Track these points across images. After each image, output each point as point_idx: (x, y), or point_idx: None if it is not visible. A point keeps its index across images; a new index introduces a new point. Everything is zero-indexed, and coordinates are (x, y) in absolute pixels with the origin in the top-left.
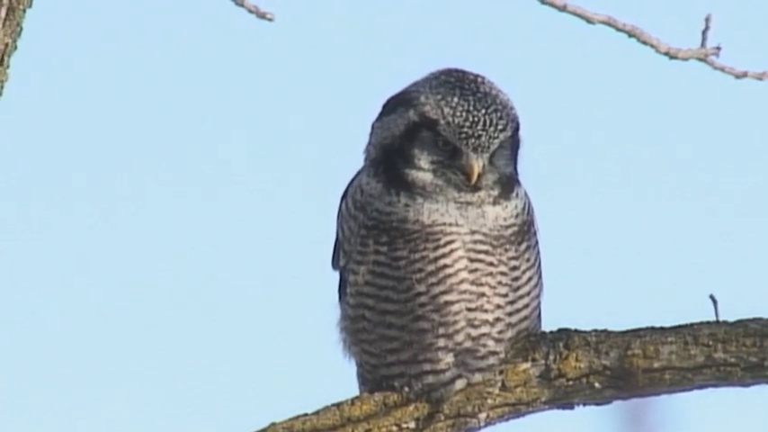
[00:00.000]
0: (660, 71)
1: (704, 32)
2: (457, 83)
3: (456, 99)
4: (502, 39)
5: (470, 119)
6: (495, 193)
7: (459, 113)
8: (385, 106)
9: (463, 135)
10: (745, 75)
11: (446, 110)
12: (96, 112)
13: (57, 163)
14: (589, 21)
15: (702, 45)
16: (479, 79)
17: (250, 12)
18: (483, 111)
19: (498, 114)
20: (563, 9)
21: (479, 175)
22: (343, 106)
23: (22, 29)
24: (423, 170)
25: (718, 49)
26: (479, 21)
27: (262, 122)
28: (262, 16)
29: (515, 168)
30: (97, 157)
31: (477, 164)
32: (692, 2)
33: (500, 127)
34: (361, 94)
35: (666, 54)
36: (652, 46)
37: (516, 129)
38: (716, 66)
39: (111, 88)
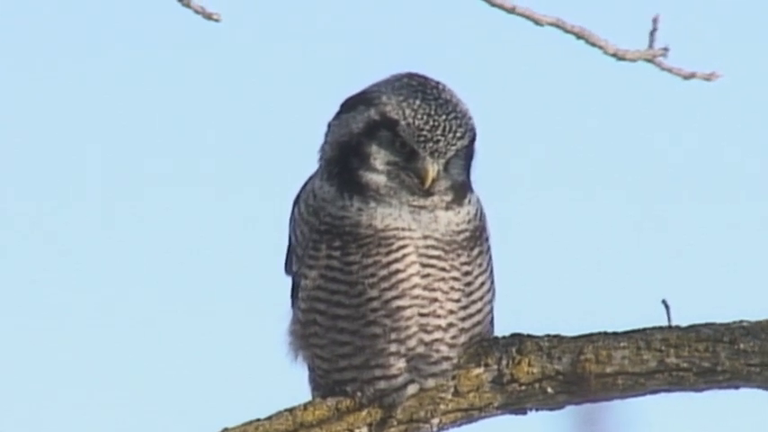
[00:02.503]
0: (608, 72)
1: (652, 33)
2: (419, 87)
3: (418, 102)
4: (450, 41)
5: (431, 123)
6: (449, 198)
7: (420, 116)
8: (343, 105)
9: (422, 138)
10: (693, 75)
11: (407, 111)
12: (57, 113)
13: (36, 164)
14: (538, 22)
15: (650, 46)
16: (441, 86)
17: (197, 12)
18: (443, 117)
19: (458, 122)
20: (512, 11)
21: (433, 180)
22: (292, 107)
23: None
24: (377, 171)
25: (666, 50)
26: (427, 22)
27: (208, 124)
28: (208, 17)
29: (468, 177)
30: (76, 157)
31: (433, 168)
32: (640, 3)
33: (458, 135)
34: (309, 95)
35: (615, 55)
36: (600, 47)
37: (473, 139)
38: (664, 67)
39: (69, 91)
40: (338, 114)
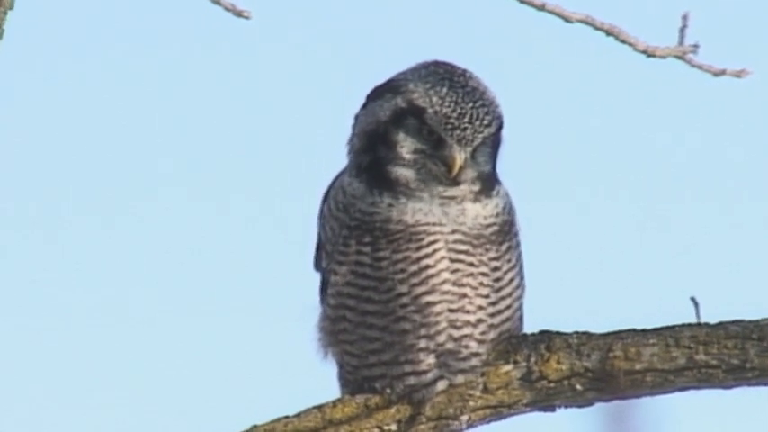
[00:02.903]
0: (638, 69)
1: (682, 30)
2: (446, 74)
3: (445, 90)
4: (479, 38)
5: (458, 110)
6: (476, 188)
7: (447, 104)
8: (370, 95)
9: (449, 126)
10: (723, 72)
11: (435, 99)
12: (77, 113)
13: (38, 164)
14: (567, 20)
15: (680, 43)
16: (468, 74)
17: (227, 10)
18: (471, 104)
19: (485, 110)
20: (541, 8)
21: (460, 169)
22: (322, 104)
23: (3, 31)
24: (404, 161)
25: (696, 46)
26: (457, 20)
27: (239, 121)
28: (238, 14)
29: (494, 167)
30: (77, 157)
31: (460, 156)
32: (670, 0)
33: (485, 122)
34: (340, 91)
35: (644, 52)
36: (630, 44)
37: (500, 127)
38: (694, 64)
39: (93, 89)
40: (365, 105)
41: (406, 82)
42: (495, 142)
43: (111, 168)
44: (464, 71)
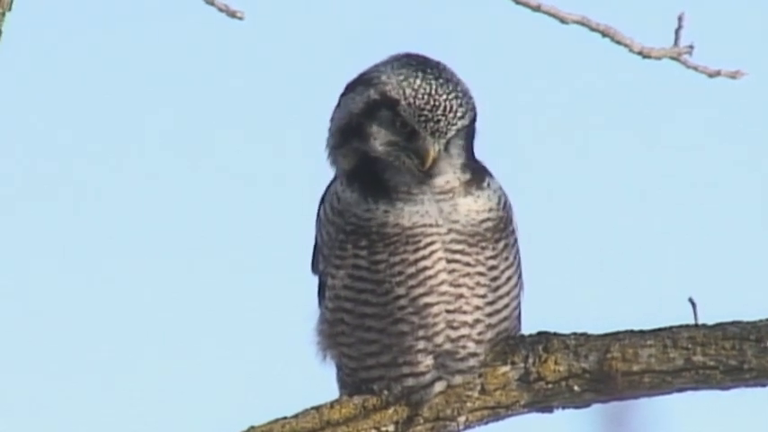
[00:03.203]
0: (634, 71)
1: (677, 31)
2: (419, 66)
3: (419, 81)
4: (475, 39)
5: (431, 102)
6: (466, 177)
7: (420, 95)
8: (343, 91)
9: (423, 118)
10: (718, 73)
11: (408, 90)
12: (74, 113)
13: (39, 161)
14: (563, 21)
15: (675, 44)
16: (441, 65)
17: (220, 10)
18: (444, 96)
19: (459, 101)
20: (537, 9)
21: (434, 161)
22: (317, 104)
23: (1, 33)
24: (375, 152)
25: (691, 47)
26: (452, 21)
27: (232, 122)
28: (232, 15)
29: (470, 158)
30: (72, 157)
31: (434, 148)
32: (665, 1)
33: (459, 114)
34: (335, 92)
35: (640, 53)
36: (626, 45)
37: (473, 118)
38: (689, 64)
39: (88, 90)
40: (338, 101)
41: (379, 74)
42: (468, 134)
43: (107, 167)
44: (437, 63)
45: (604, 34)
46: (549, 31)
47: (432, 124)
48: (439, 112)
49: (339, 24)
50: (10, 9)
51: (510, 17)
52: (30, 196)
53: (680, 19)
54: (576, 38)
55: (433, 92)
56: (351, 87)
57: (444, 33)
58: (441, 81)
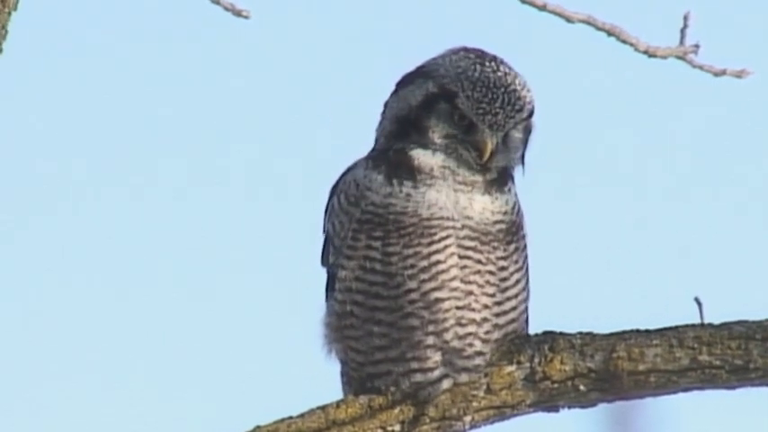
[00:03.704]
0: (639, 69)
1: (683, 30)
2: (477, 59)
3: (477, 74)
4: (480, 38)
5: (489, 95)
6: (492, 176)
7: (479, 88)
8: (400, 82)
9: (481, 111)
10: (723, 72)
11: (466, 83)
12: (78, 111)
13: (41, 162)
14: (569, 20)
15: (681, 43)
16: (498, 59)
17: (226, 9)
18: (502, 89)
19: (516, 95)
20: (543, 8)
21: (492, 154)
22: (323, 103)
23: (7, 32)
24: (435, 144)
25: (697, 47)
26: (458, 20)
27: (239, 120)
28: (238, 14)
29: (524, 153)
30: (77, 156)
31: (492, 141)
32: (671, 0)
33: (517, 107)
34: (340, 90)
35: (645, 52)
36: (631, 44)
37: (531, 113)
38: (695, 64)
39: (93, 89)
40: (395, 91)
41: (437, 67)
42: (526, 129)
43: (110, 166)
44: (494, 56)
45: (610, 33)
46: (555, 30)
47: (490, 117)
48: (497, 104)
49: (344, 23)
50: (15, 9)
51: (516, 16)
52: (30, 195)
53: (685, 18)
54: (582, 37)
55: (492, 84)
56: (409, 80)
57: (449, 33)
58: (498, 74)
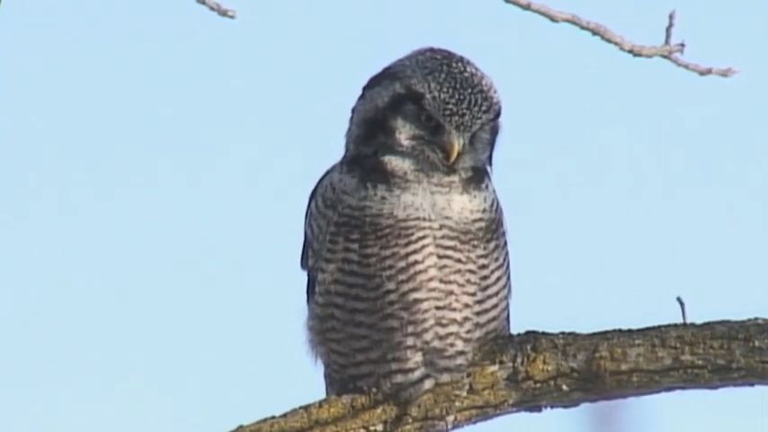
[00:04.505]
0: (624, 69)
1: (668, 29)
2: (444, 60)
3: (443, 75)
4: (465, 37)
5: (456, 96)
6: (468, 176)
7: (445, 89)
8: (367, 84)
9: (447, 112)
10: (709, 71)
11: (433, 84)
12: (62, 110)
13: (27, 162)
14: (553, 19)
15: (666, 42)
16: (465, 59)
17: (212, 9)
18: (469, 90)
19: (483, 95)
20: (527, 7)
21: (459, 155)
22: (308, 103)
23: None
24: (402, 146)
25: (682, 45)
26: (442, 19)
27: (224, 120)
28: (223, 14)
29: (491, 154)
30: (65, 155)
31: (458, 142)
32: None
33: (484, 108)
34: (326, 90)
35: (630, 51)
36: (616, 44)
37: (498, 113)
38: (680, 63)
39: (77, 88)
40: (362, 94)
41: (404, 68)
42: (493, 129)
43: (94, 165)
44: (461, 57)
45: (594, 33)
46: (539, 29)
47: (456, 118)
48: (464, 105)
49: (330, 23)
50: None
51: (500, 16)
52: (27, 196)
53: (671, 17)
54: (567, 36)
55: (458, 86)
56: (376, 81)
57: (433, 32)
58: (465, 75)
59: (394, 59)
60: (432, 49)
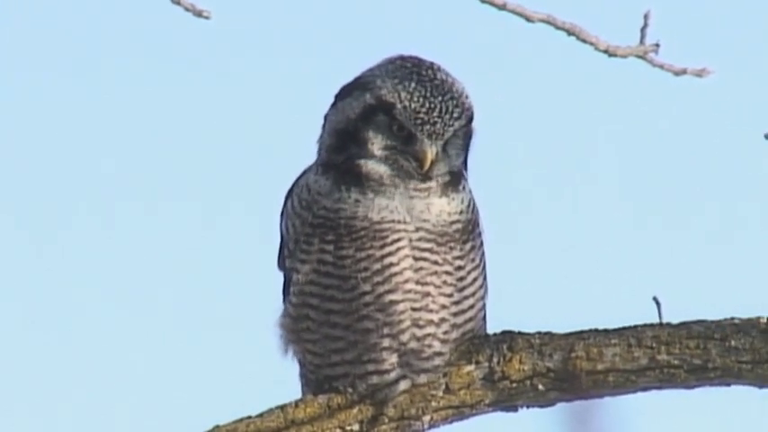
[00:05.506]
0: (600, 69)
1: (643, 30)
2: (414, 68)
3: (413, 84)
4: (440, 38)
5: (427, 105)
6: (446, 180)
7: (416, 99)
8: (339, 93)
9: (419, 121)
10: (684, 72)
11: (403, 94)
12: (40, 115)
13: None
14: (528, 19)
15: (641, 42)
16: (435, 66)
17: (187, 10)
18: (440, 98)
19: (454, 102)
20: (502, 7)
21: (432, 163)
22: (284, 103)
23: None
24: (375, 157)
25: (657, 46)
26: (417, 20)
27: (199, 122)
28: (198, 14)
29: (466, 159)
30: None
31: (431, 150)
32: None
33: (455, 115)
34: (302, 91)
35: (606, 51)
36: (591, 44)
37: (470, 119)
38: (655, 63)
39: (53, 91)
40: (334, 103)
41: (374, 78)
42: (466, 134)
43: (73, 168)
44: (431, 64)
45: (570, 33)
46: (515, 29)
47: (428, 127)
48: (435, 114)
49: (306, 25)
50: None
51: (475, 16)
52: (23, 198)
53: (645, 17)
54: (542, 36)
55: (428, 94)
56: (347, 92)
57: (408, 33)
58: (436, 82)
59: (366, 68)
60: (402, 57)
